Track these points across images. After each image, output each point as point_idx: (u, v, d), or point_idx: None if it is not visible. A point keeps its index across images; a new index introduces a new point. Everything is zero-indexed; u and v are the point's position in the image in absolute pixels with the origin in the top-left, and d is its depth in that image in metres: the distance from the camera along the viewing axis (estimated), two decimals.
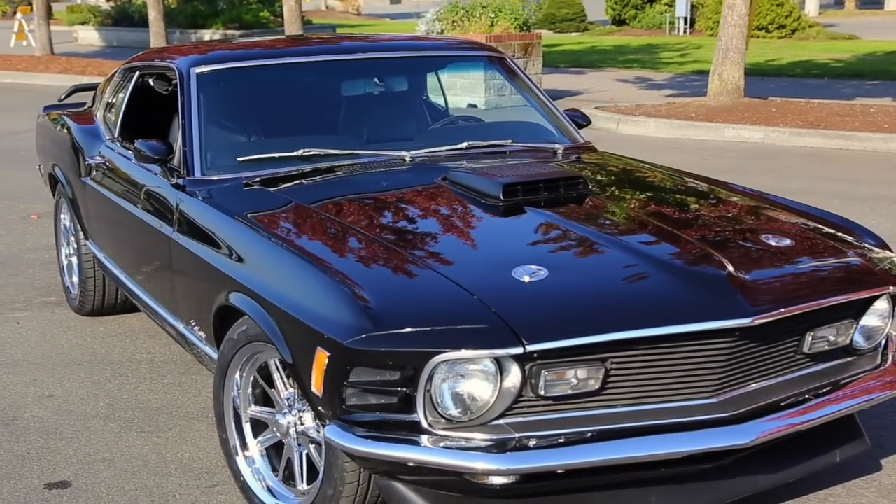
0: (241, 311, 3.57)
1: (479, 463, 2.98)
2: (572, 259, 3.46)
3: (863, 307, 3.51)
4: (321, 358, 3.08)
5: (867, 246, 3.77)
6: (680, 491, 3.31)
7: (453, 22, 15.17)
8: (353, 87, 5.10)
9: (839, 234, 3.83)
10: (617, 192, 4.29)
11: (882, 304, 3.55)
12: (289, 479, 3.63)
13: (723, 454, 3.21)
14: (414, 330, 2.99)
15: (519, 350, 2.93)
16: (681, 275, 3.27)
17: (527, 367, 2.99)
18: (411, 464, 3.02)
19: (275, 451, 3.70)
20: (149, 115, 5.22)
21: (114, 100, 5.57)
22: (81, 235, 5.68)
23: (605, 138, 12.38)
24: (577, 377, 3.06)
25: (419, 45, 5.47)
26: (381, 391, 3.02)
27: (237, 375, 3.71)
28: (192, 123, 4.42)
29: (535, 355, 2.97)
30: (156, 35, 19.15)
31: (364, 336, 2.98)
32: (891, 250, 3.80)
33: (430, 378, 2.96)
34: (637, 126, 13.14)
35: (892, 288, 3.51)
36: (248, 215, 3.87)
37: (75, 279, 5.94)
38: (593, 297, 3.20)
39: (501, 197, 3.84)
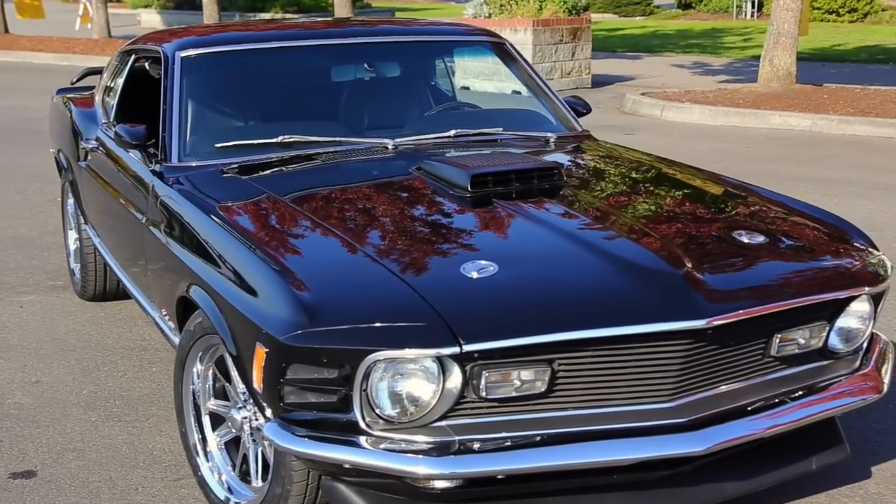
0: (196, 303, 3.49)
1: (419, 466, 2.86)
2: (527, 255, 3.29)
3: (838, 309, 3.31)
4: (260, 353, 2.99)
5: (854, 246, 3.56)
6: (639, 497, 3.15)
7: (501, 6, 14.96)
8: (342, 73, 4.96)
9: (824, 232, 3.63)
10: (594, 185, 4.11)
11: (861, 306, 3.35)
12: (246, 475, 3.53)
13: (680, 461, 3.05)
14: (350, 327, 2.87)
15: (455, 349, 2.80)
16: (637, 273, 3.09)
17: (467, 368, 2.86)
18: (347, 465, 2.92)
19: (234, 446, 3.60)
20: (142, 100, 5.15)
21: (111, 84, 5.51)
22: (82, 220, 5.65)
23: (647, 125, 12.19)
24: (522, 379, 2.91)
25: (413, 29, 5.29)
26: (319, 389, 2.91)
27: (196, 367, 3.63)
28: (173, 108, 4.34)
29: (476, 355, 2.83)
30: (208, 18, 19.21)
31: (299, 332, 2.87)
32: (878, 250, 3.59)
33: (367, 377, 2.85)
34: (682, 113, 12.84)
35: (867, 289, 3.31)
36: (214, 204, 3.78)
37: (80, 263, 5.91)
38: (540, 296, 3.03)
39: (469, 188, 3.70)
